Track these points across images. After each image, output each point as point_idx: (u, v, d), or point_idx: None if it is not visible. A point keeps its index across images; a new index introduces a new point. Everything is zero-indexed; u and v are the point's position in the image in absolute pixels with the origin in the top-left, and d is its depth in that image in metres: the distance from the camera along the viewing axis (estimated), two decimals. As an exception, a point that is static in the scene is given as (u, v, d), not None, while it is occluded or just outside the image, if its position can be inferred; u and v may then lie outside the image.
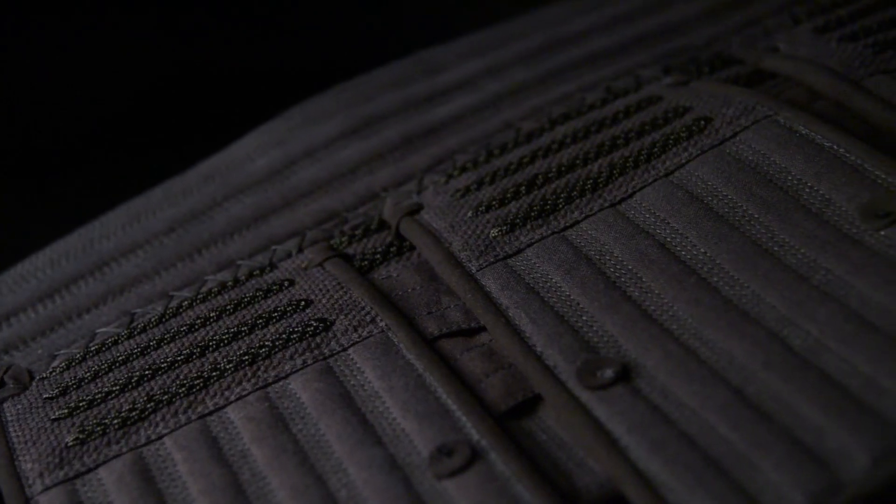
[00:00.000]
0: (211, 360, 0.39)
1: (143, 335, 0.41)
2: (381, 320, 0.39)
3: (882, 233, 0.36)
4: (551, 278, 0.39)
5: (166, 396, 0.38)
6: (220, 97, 0.68)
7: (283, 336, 0.39)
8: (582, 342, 0.36)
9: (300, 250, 0.44)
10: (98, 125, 0.70)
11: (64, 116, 0.69)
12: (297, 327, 0.39)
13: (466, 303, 0.39)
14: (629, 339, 0.36)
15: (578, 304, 0.37)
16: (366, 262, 0.43)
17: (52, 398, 0.39)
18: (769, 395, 0.33)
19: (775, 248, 0.37)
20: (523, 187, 0.43)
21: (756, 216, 0.38)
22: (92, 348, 0.41)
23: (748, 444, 0.32)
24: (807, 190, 0.38)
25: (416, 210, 0.44)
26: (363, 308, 0.40)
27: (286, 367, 0.38)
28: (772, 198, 0.38)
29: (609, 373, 0.35)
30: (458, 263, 0.40)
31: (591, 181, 0.42)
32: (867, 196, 0.37)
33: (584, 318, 0.37)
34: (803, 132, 0.40)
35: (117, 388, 0.39)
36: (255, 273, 0.43)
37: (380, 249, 0.43)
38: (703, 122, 0.43)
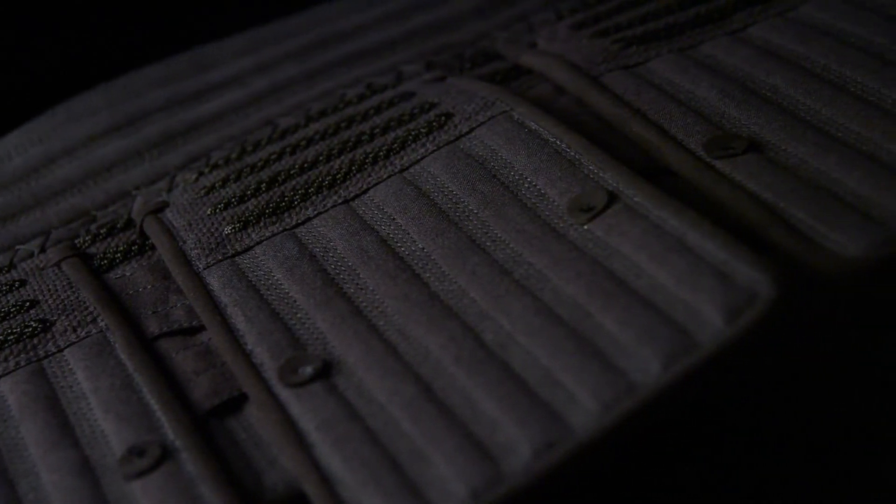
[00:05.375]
0: None
1: None
2: (102, 320, 0.38)
3: (585, 227, 0.36)
4: (273, 275, 0.38)
5: None
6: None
7: (1, 338, 0.38)
8: (291, 339, 0.36)
9: (43, 250, 0.43)
10: None
11: None
12: (17, 328, 0.39)
13: (190, 301, 0.39)
14: (336, 335, 0.35)
15: (295, 301, 0.37)
16: (105, 262, 0.42)
17: None
18: (455, 390, 0.33)
19: (488, 244, 0.37)
20: (264, 185, 0.42)
21: (475, 211, 0.38)
22: None
23: (425, 438, 0.32)
24: (525, 185, 0.38)
25: (161, 208, 0.43)
26: (86, 308, 0.39)
27: None
28: (492, 193, 0.39)
29: (308, 370, 0.34)
30: (186, 261, 0.40)
31: (330, 178, 0.42)
32: (577, 190, 0.37)
33: (298, 315, 0.37)
34: (533, 128, 0.40)
35: None
36: (-9, 274, 0.42)
37: (121, 248, 0.42)
38: (443, 118, 0.43)
